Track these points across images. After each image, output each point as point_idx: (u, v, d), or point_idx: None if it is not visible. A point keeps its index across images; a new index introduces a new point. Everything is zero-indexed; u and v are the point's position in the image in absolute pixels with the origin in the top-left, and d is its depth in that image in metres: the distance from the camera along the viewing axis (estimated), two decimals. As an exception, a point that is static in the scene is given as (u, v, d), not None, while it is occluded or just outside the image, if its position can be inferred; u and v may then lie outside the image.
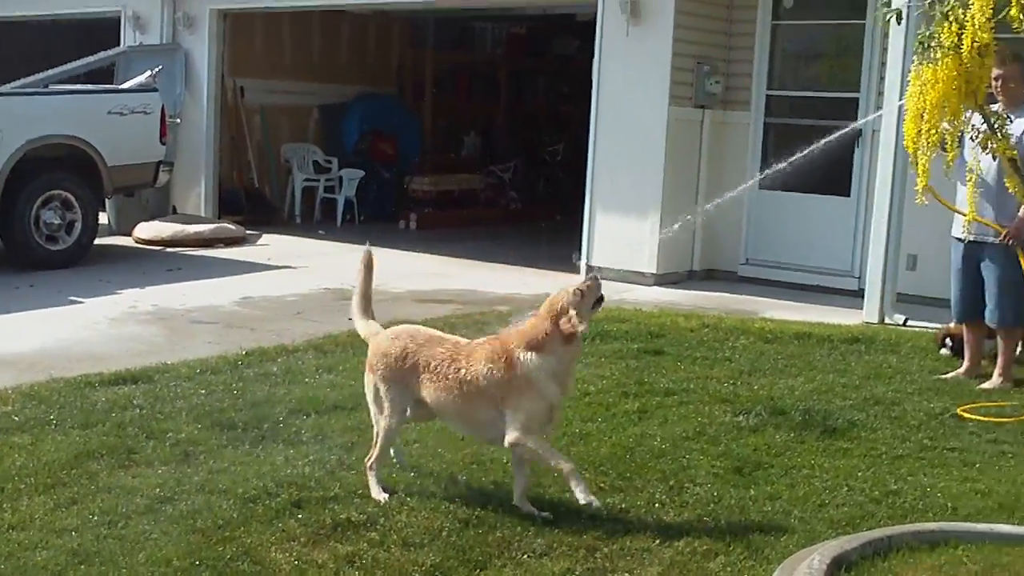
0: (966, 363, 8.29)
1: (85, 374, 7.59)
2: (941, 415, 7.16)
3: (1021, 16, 3.53)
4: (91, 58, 16.26)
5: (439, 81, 20.28)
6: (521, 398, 5.19)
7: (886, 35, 10.35)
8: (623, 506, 5.43)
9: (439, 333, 5.71)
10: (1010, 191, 4.51)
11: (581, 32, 17.36)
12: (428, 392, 5.38)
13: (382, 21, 19.20)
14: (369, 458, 5.54)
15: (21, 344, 8.83)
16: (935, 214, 7.88)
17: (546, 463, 5.32)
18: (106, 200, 14.26)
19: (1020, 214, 7.59)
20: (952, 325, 8.66)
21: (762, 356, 8.68)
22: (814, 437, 6.57)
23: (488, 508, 5.30)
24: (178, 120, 15.82)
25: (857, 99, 11.97)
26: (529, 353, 5.22)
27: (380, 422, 5.51)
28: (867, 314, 10.45)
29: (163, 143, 13.66)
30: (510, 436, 5.19)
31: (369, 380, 5.54)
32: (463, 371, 5.29)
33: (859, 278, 11.65)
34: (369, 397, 5.57)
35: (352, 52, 18.91)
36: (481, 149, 20.65)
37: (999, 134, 3.91)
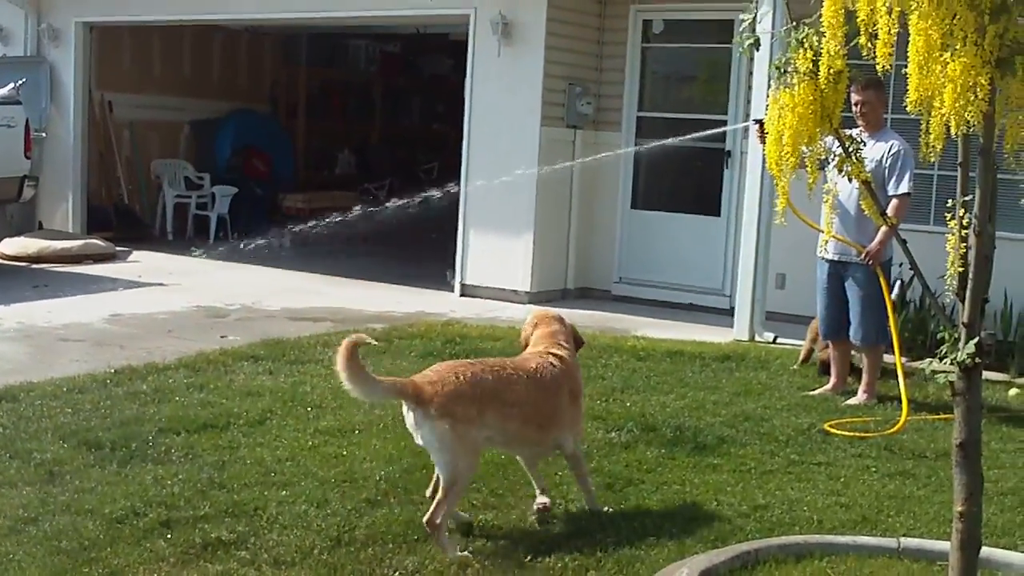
0: (832, 379, 8.50)
1: (-54, 393, 7.41)
2: (808, 430, 7.33)
3: (868, 44, 3.68)
4: (-48, 70, 15.88)
5: (313, 98, 20.22)
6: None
7: (751, 59, 10.57)
8: (495, 523, 5.46)
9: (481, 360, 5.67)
10: (866, 214, 4.64)
11: (455, 52, 17.44)
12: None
13: (255, 37, 19.07)
14: (434, 515, 5.04)
15: None
16: (802, 234, 8.08)
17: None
18: (-31, 215, 13.94)
19: (878, 236, 7.84)
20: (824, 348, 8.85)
21: (635, 373, 8.80)
22: (685, 453, 6.68)
23: (359, 526, 5.29)
24: (43, 134, 15.51)
25: (726, 121, 12.19)
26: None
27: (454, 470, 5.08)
28: (737, 332, 10.64)
29: (28, 157, 13.40)
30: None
31: (437, 426, 5.03)
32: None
33: (730, 296, 11.86)
34: (437, 445, 5.09)
35: (224, 68, 18.74)
36: (356, 167, 20.62)
37: (853, 158, 4.04)
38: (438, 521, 5.00)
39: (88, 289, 12.40)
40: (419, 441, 5.13)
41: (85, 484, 5.73)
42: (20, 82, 14.10)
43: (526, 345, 5.76)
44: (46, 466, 5.98)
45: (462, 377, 5.15)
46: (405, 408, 5.13)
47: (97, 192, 16.59)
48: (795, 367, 9.12)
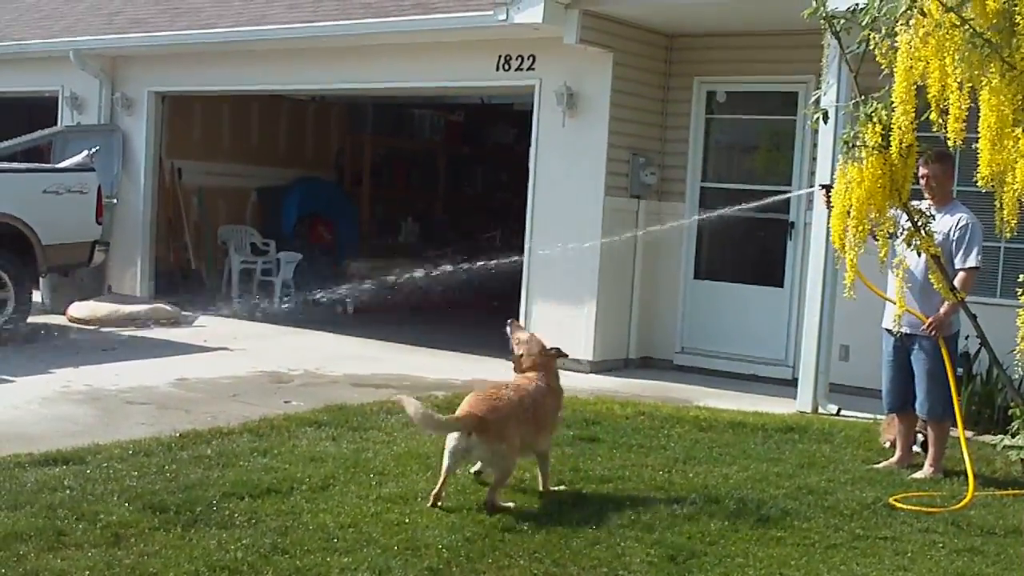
0: (897, 453, 8.41)
1: (15, 454, 7.48)
2: (873, 504, 7.24)
3: (940, 120, 3.68)
4: (28, 136, 16.22)
5: (377, 167, 20.39)
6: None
7: (816, 131, 10.58)
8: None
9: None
10: (935, 286, 4.62)
11: (519, 121, 17.57)
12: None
13: (321, 106, 19.33)
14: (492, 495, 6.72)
15: (-50, 424, 8.71)
16: (867, 305, 8.03)
17: None
18: (40, 278, 14.15)
19: (944, 308, 7.77)
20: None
21: (697, 444, 8.74)
22: (748, 526, 6.62)
23: None
24: (115, 200, 15.78)
25: (789, 192, 12.18)
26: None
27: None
28: (800, 403, 10.57)
29: (99, 223, 13.60)
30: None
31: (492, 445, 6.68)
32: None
33: (792, 367, 11.80)
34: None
35: (291, 136, 19.01)
36: (419, 235, 20.73)
37: (922, 232, 4.03)
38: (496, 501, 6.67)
39: (154, 353, 12.54)
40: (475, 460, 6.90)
41: (150, 547, 5.77)
42: (94, 150, 14.37)
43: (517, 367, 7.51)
44: (112, 528, 6.02)
45: (502, 403, 6.89)
46: (456, 435, 6.67)
47: (165, 257, 16.83)
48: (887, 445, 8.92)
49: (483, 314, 16.34)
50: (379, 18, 13.62)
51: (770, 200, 10.93)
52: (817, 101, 4.87)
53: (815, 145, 11.06)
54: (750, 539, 6.39)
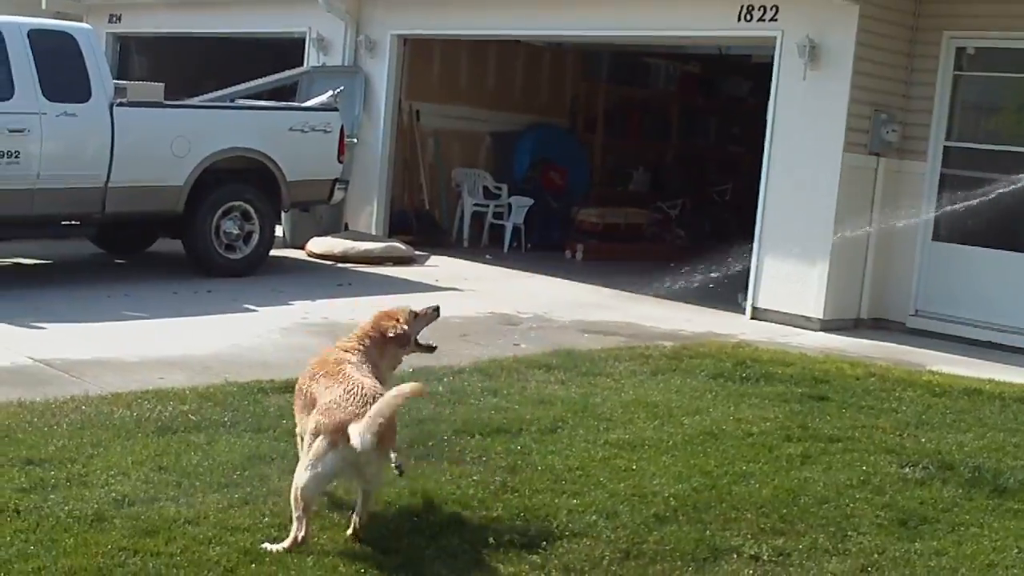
0: None
1: (257, 380, 7.83)
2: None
3: None
4: (277, 76, 16.76)
5: (610, 115, 20.37)
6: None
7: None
8: (785, 550, 5.41)
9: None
10: None
11: (754, 74, 17.29)
12: None
13: (556, 53, 19.39)
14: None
15: (198, 347, 9.14)
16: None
17: None
18: (283, 213, 14.65)
19: None
20: None
21: (930, 409, 8.52)
22: (983, 495, 6.44)
23: (648, 541, 5.32)
24: (355, 140, 16.17)
25: (1042, 154, 11.72)
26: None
27: None
28: (1041, 373, 10.21)
29: (340, 162, 13.97)
30: None
31: None
32: None
33: (1035, 336, 11.37)
34: None
35: (526, 82, 19.14)
36: (649, 185, 20.66)
37: None
38: None
39: (387, 289, 12.86)
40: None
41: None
42: (338, 90, 14.77)
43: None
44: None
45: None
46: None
47: (400, 197, 17.19)
48: None
49: (715, 265, 16.27)
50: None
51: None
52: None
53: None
54: (985, 509, 6.23)
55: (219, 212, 12.83)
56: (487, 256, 16.19)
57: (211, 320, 10.44)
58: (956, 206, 11.90)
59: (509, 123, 18.72)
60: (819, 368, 9.58)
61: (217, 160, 12.73)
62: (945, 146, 12.56)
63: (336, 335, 9.96)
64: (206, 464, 5.97)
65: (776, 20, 12.61)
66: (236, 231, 12.98)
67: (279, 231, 14.54)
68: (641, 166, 20.73)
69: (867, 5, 12.02)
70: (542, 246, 17.36)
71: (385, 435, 4.95)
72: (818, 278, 12.19)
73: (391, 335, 5.79)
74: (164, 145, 12.37)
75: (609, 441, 6.91)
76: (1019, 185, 11.33)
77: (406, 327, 5.85)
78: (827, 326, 12.09)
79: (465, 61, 18.14)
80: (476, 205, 17.48)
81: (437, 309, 6.16)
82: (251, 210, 13.09)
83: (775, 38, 12.59)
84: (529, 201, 17.40)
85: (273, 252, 13.79)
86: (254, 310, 11.03)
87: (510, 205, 17.40)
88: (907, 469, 6.81)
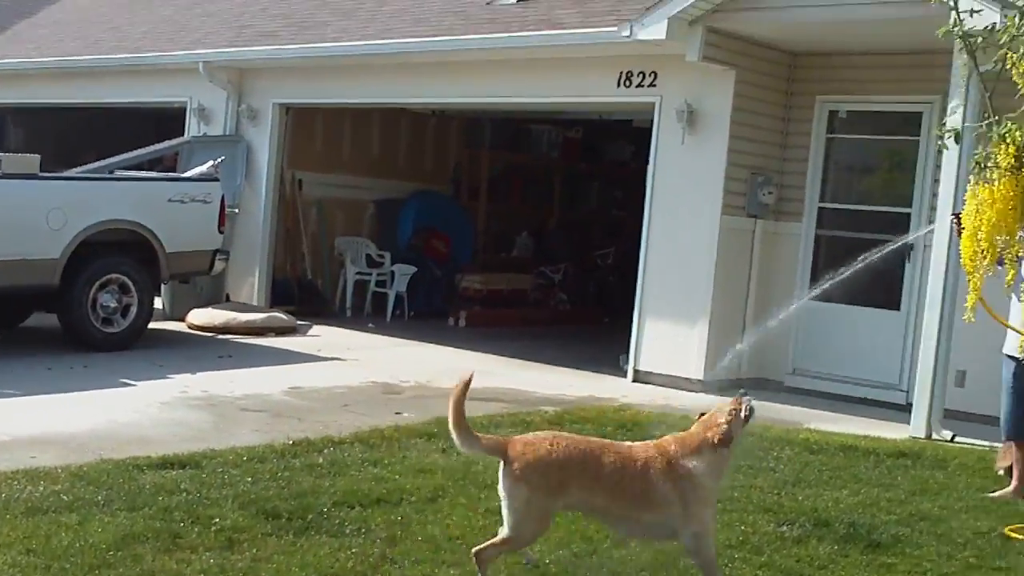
0: (1014, 482, 8.22)
1: (134, 457, 7.66)
2: (988, 534, 7.10)
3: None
4: (156, 146, 16.63)
5: (494, 181, 20.48)
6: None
7: (939, 152, 10.41)
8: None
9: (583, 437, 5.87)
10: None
11: (636, 138, 17.53)
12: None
13: (440, 120, 19.48)
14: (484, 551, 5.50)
15: (73, 424, 8.94)
16: (985, 330, 7.86)
17: None
18: (162, 285, 14.47)
19: (1071, 335, 7.59)
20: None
21: (807, 467, 8.63)
22: (858, 551, 6.53)
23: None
24: (236, 210, 16.09)
25: (909, 214, 12.01)
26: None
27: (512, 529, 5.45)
28: (914, 429, 10.41)
29: (221, 232, 13.87)
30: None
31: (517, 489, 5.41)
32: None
33: (907, 392, 11.61)
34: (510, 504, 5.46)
35: (410, 149, 19.19)
36: (533, 250, 20.78)
37: (1053, 254, 3.97)
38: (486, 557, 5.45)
39: (269, 361, 12.74)
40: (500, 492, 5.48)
41: (262, 552, 5.87)
42: (219, 160, 14.67)
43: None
44: (225, 532, 6.14)
45: (552, 447, 5.46)
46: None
47: (282, 267, 17.10)
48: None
49: (596, 330, 16.40)
50: (503, 33, 13.70)
51: (892, 245, 10.66)
52: (945, 122, 4.81)
53: (938, 167, 10.88)
54: (860, 564, 6.31)
55: (96, 285, 12.62)
56: (370, 324, 16.14)
57: (87, 396, 10.23)
58: (830, 267, 12.13)
59: (392, 191, 18.73)
60: (700, 429, 9.63)
61: (94, 232, 12.55)
62: (820, 207, 12.85)
63: (216, 408, 9.90)
64: (77, 545, 5.81)
65: (655, 86, 12.85)
66: (114, 304, 12.78)
67: (159, 303, 14.35)
68: (525, 231, 20.85)
69: (742, 71, 12.30)
70: (426, 314, 17.36)
71: None
72: (698, 339, 12.34)
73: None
74: (39, 217, 12.17)
75: (490, 509, 6.85)
76: (888, 245, 11.60)
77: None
78: (708, 387, 12.22)
79: (348, 129, 18.15)
80: (359, 273, 17.43)
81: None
82: (129, 282, 12.91)
83: (654, 103, 12.82)
84: (412, 269, 17.41)
85: (153, 325, 13.60)
86: (132, 384, 10.84)
87: (393, 273, 17.38)
88: (784, 527, 6.88)
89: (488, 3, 15.06)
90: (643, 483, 5.44)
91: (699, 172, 12.43)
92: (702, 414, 5.71)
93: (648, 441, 5.70)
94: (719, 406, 5.68)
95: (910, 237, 10.94)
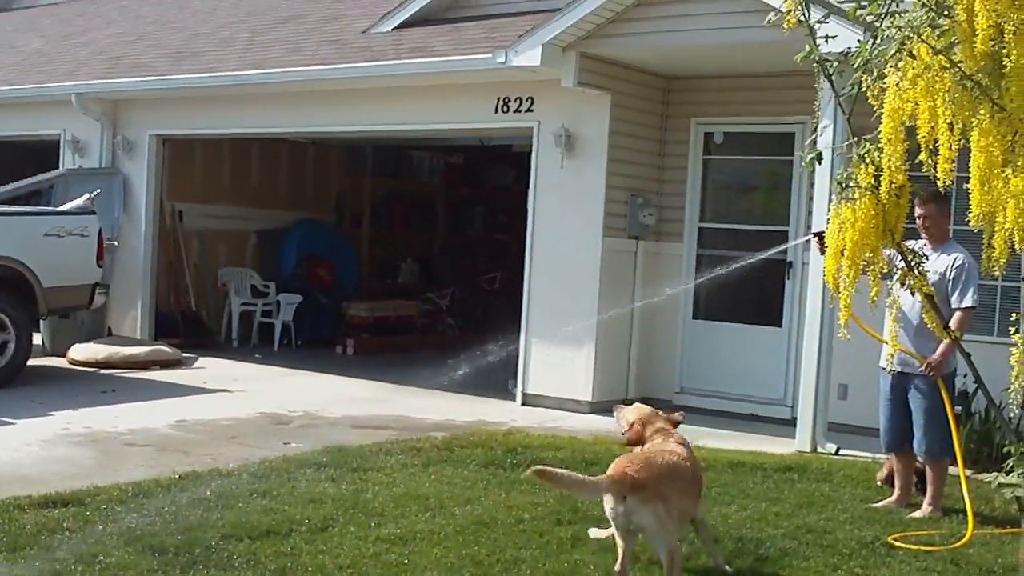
0: (896, 492, 8.41)
1: (14, 496, 7.48)
2: (872, 543, 7.24)
3: (930, 160, 3.73)
4: (29, 180, 16.28)
5: (377, 208, 20.44)
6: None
7: (812, 172, 10.63)
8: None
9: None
10: (929, 327, 4.65)
11: (517, 162, 17.63)
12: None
13: (320, 148, 19.40)
14: None
15: (-51, 466, 8.72)
16: (865, 344, 8.05)
17: None
18: (41, 321, 14.18)
19: (940, 348, 7.79)
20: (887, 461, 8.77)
21: (695, 484, 8.72)
22: (747, 565, 6.63)
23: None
24: (115, 243, 15.85)
25: (787, 232, 12.23)
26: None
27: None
28: (799, 443, 10.58)
29: (100, 265, 13.63)
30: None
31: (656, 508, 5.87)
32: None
33: (791, 407, 11.81)
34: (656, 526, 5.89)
35: (291, 178, 19.07)
36: (419, 276, 20.78)
37: (915, 271, 4.07)
38: None
39: (154, 395, 12.55)
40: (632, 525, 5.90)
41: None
42: (95, 193, 14.40)
43: (637, 440, 6.50)
44: (111, 570, 6.04)
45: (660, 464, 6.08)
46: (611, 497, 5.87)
47: (165, 299, 16.86)
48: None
49: (485, 353, 16.38)
50: (378, 61, 13.72)
51: (773, 251, 10.87)
52: (813, 143, 4.93)
53: (812, 186, 11.10)
54: (747, 579, 6.40)
55: (-30, 322, 12.35)
56: (257, 355, 15.99)
57: (-36, 436, 9.99)
58: (712, 285, 12.33)
59: (275, 220, 18.59)
60: (589, 450, 9.72)
61: (-34, 268, 12.27)
62: (700, 227, 13.04)
63: (100, 444, 9.71)
64: (-45, 589, 5.68)
65: (532, 111, 12.95)
66: (-11, 342, 12.50)
67: (37, 339, 14.05)
68: (409, 258, 20.85)
69: (618, 95, 12.44)
70: (313, 343, 17.24)
71: None
72: (585, 361, 12.43)
73: None
74: (-92, 255, 11.88)
75: (380, 536, 6.85)
76: (766, 262, 11.82)
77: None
78: (596, 408, 12.29)
79: (228, 159, 17.98)
80: (244, 304, 17.26)
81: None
82: (5, 319, 12.63)
83: (532, 128, 12.90)
84: (298, 298, 17.28)
85: (32, 361, 13.32)
86: (11, 423, 10.59)
87: (279, 303, 17.24)
88: (675, 545, 6.94)
89: (364, 32, 15.05)
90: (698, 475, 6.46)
91: (579, 195, 12.54)
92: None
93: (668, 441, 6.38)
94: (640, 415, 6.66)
95: (765, 253, 11.08)
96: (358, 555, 6.47)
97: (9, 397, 11.87)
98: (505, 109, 13.12)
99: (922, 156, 3.78)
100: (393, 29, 14.76)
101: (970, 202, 3.78)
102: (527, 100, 12.95)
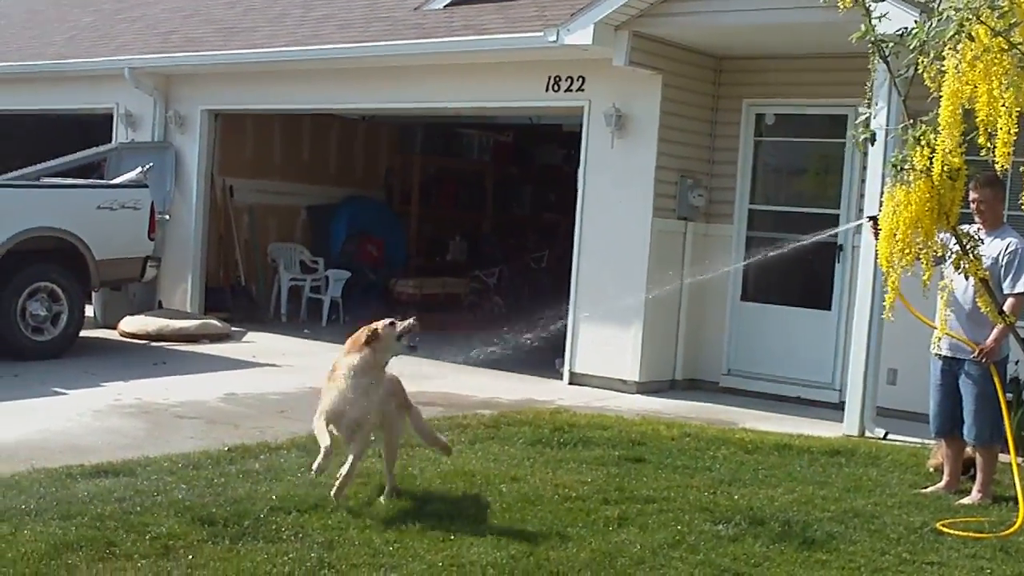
0: (945, 478, 8.36)
1: (67, 465, 7.59)
2: (920, 529, 7.20)
3: (988, 144, 3.69)
4: (83, 153, 16.43)
5: (426, 186, 20.49)
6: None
7: (865, 154, 10.54)
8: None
9: None
10: (983, 311, 4.61)
11: (567, 141, 17.62)
12: None
13: (371, 125, 19.46)
14: None
15: (3, 434, 8.82)
16: (915, 329, 8.00)
17: None
18: (93, 293, 14.33)
19: (993, 333, 7.72)
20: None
21: (742, 466, 8.72)
22: (793, 548, 6.60)
23: None
24: (167, 217, 15.97)
25: (838, 215, 12.15)
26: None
27: None
28: (847, 427, 10.53)
29: (151, 239, 13.76)
30: None
31: None
32: None
33: (840, 391, 11.75)
34: None
35: (341, 155, 19.15)
36: (467, 254, 20.80)
37: (970, 255, 4.03)
38: None
39: (204, 368, 12.66)
40: None
41: (198, 560, 5.84)
42: (147, 167, 14.53)
43: None
44: (161, 540, 6.09)
45: None
46: None
47: (215, 273, 16.98)
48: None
49: (532, 332, 16.38)
50: (429, 39, 13.74)
51: (823, 234, 10.79)
52: (866, 123, 4.88)
53: (864, 168, 11.02)
54: (795, 562, 6.38)
55: (25, 293, 12.50)
56: (305, 330, 16.07)
57: (18, 405, 10.11)
58: (761, 267, 12.29)
59: (324, 196, 18.68)
60: (635, 430, 9.73)
61: (21, 240, 12.41)
62: (749, 209, 12.97)
63: (150, 415, 9.81)
64: (9, 556, 5.75)
65: (583, 90, 12.91)
66: (43, 312, 12.65)
67: (90, 311, 14.21)
68: (458, 236, 20.88)
69: (669, 75, 12.38)
70: (360, 319, 17.24)
71: None
72: (633, 341, 12.41)
73: None
74: (-36, 227, 12.03)
75: (427, 512, 6.89)
76: (816, 244, 11.76)
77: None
78: (643, 388, 12.30)
79: (279, 135, 18.06)
80: (293, 279, 17.35)
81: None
82: (59, 290, 12.79)
83: (583, 108, 12.87)
84: (346, 274, 17.34)
85: (84, 333, 13.47)
86: (64, 393, 10.73)
87: (327, 278, 17.31)
88: (720, 526, 6.94)
89: (415, 8, 15.07)
90: None
91: (629, 175, 12.50)
92: None
93: None
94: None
95: (816, 236, 10.98)
96: (405, 530, 6.50)
97: (62, 368, 12.01)
98: (556, 88, 13.09)
99: (980, 140, 3.74)
100: (444, 7, 14.78)
101: (1025, 187, 3.74)
102: (578, 79, 12.92)
